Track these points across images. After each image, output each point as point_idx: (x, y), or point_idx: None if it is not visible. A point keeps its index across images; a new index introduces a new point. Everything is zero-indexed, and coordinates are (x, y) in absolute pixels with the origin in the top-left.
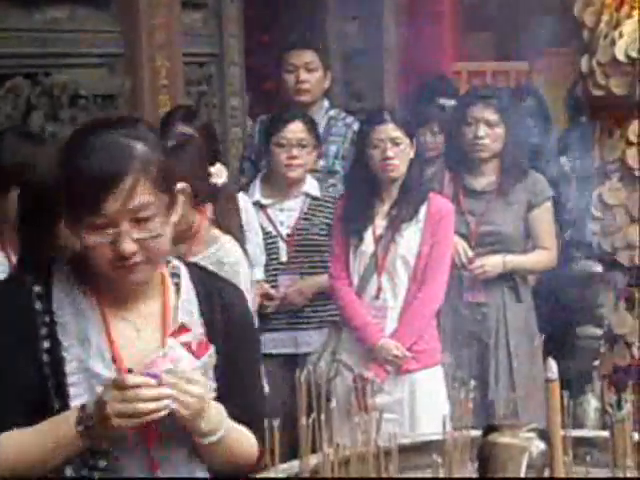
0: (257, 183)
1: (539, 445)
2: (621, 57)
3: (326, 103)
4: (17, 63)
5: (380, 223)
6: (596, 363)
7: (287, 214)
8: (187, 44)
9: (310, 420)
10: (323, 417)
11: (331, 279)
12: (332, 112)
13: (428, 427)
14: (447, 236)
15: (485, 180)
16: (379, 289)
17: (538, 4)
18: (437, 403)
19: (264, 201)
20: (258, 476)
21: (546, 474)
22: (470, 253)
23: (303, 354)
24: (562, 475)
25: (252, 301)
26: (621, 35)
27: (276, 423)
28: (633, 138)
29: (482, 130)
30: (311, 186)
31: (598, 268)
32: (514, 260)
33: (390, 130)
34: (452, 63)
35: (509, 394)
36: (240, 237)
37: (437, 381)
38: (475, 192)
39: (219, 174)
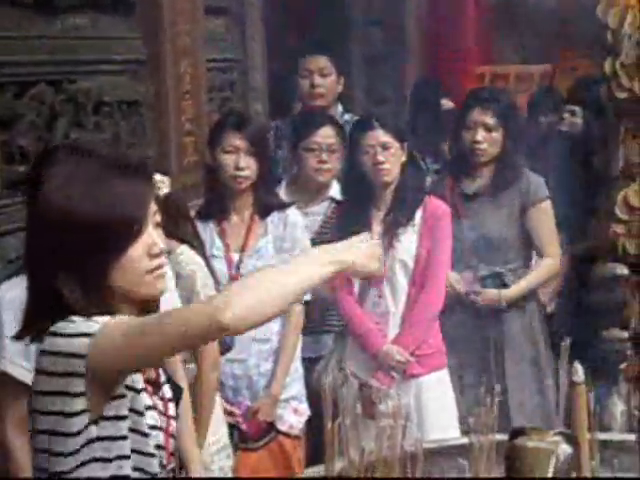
0: (282, 187)
1: (566, 449)
2: None
3: (340, 108)
4: (40, 70)
5: (376, 229)
6: (622, 366)
7: (311, 219)
8: (210, 50)
9: (336, 425)
10: (348, 422)
11: (332, 289)
12: (347, 117)
13: (436, 430)
14: (445, 238)
15: (477, 184)
16: (380, 296)
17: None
18: (444, 406)
19: None
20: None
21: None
22: (459, 287)
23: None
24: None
25: None
26: None
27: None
28: None
29: (480, 134)
30: (336, 191)
31: (624, 270)
32: (511, 292)
33: (380, 135)
34: (476, 66)
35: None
36: (197, 243)
37: (443, 384)
38: (468, 196)
39: (163, 184)
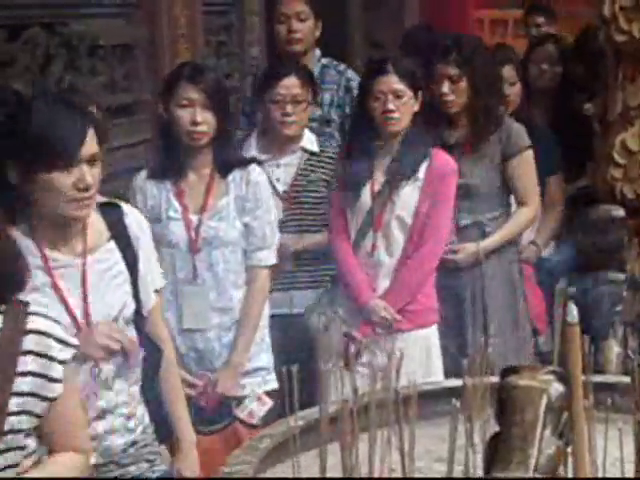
0: (253, 138)
1: (558, 387)
2: None
3: (318, 52)
4: (34, 13)
5: (379, 179)
6: (618, 308)
7: (284, 170)
8: None
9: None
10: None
11: (330, 234)
12: (324, 60)
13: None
14: (448, 196)
15: (457, 133)
16: (374, 246)
17: None
18: (428, 362)
19: (260, 156)
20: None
21: (565, 417)
22: None
23: (297, 314)
24: (583, 419)
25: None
26: None
27: (295, 369)
28: None
29: (446, 87)
30: (309, 141)
31: (620, 212)
32: (490, 243)
33: (392, 82)
34: (474, 11)
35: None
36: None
37: (430, 340)
38: (449, 145)
39: None
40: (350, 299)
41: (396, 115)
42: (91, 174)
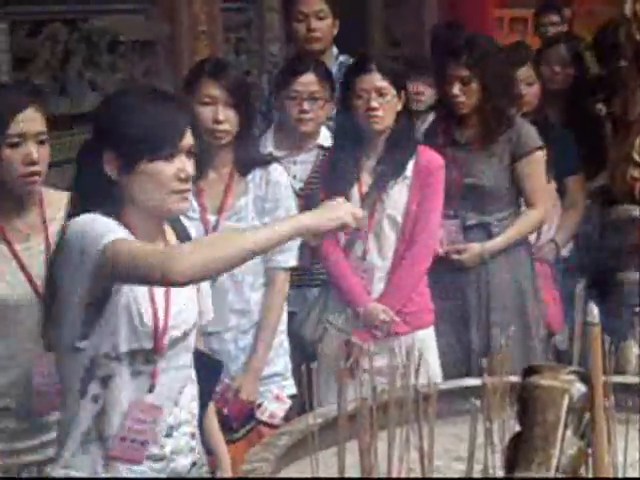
0: (270, 134)
1: (580, 387)
2: None
3: (335, 50)
4: (55, 9)
5: (366, 180)
6: (638, 309)
7: (300, 167)
8: None
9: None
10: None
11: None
12: (342, 58)
13: None
14: (436, 192)
15: (469, 132)
16: (366, 249)
17: None
18: (427, 365)
19: (277, 153)
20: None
21: (586, 418)
22: (440, 250)
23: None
24: (603, 420)
25: None
26: None
27: (314, 366)
28: None
29: (456, 88)
30: (325, 138)
31: (638, 212)
32: (495, 244)
33: (376, 80)
34: (494, 9)
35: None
36: None
37: (427, 342)
38: (459, 144)
39: None
40: (344, 304)
41: (379, 113)
42: (190, 166)
